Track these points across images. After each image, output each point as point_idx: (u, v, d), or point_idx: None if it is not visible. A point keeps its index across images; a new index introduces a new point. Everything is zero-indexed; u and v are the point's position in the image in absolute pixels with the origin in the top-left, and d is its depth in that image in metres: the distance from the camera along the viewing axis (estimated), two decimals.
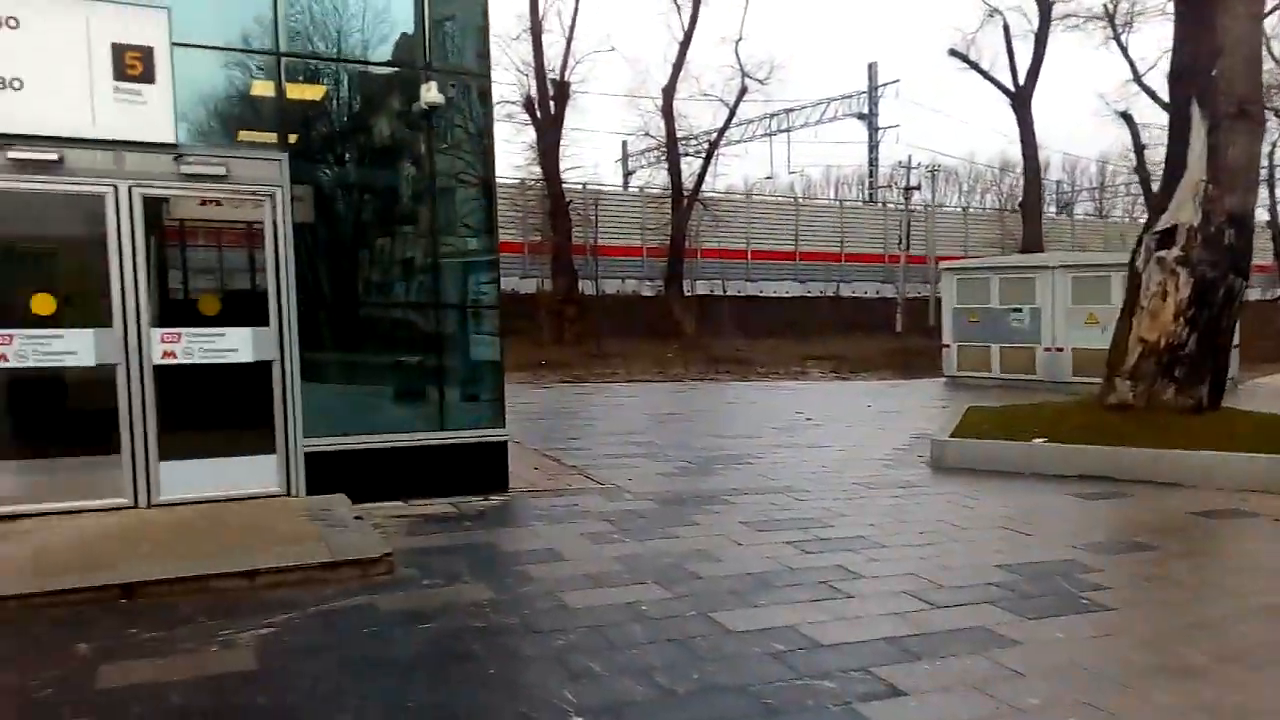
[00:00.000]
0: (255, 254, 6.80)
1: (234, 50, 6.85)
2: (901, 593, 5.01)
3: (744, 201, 39.55)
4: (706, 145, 34.51)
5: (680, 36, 31.60)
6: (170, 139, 6.27)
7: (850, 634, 4.37)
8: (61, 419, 6.69)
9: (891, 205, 41.61)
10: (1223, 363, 9.72)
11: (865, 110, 45.08)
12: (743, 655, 4.10)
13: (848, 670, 3.91)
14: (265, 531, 5.79)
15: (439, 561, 5.53)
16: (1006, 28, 30.34)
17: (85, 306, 6.20)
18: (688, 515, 6.90)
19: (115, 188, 6.15)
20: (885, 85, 44.46)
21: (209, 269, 7.54)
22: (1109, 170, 52.67)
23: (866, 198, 47.93)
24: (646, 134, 35.84)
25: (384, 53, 7.68)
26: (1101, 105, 57.07)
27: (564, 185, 31.02)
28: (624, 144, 44.96)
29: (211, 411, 6.76)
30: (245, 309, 6.68)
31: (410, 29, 7.51)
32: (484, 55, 7.84)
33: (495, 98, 8.26)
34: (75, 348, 6.11)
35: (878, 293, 38.45)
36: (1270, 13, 21.23)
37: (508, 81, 32.88)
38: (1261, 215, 35.84)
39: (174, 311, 6.73)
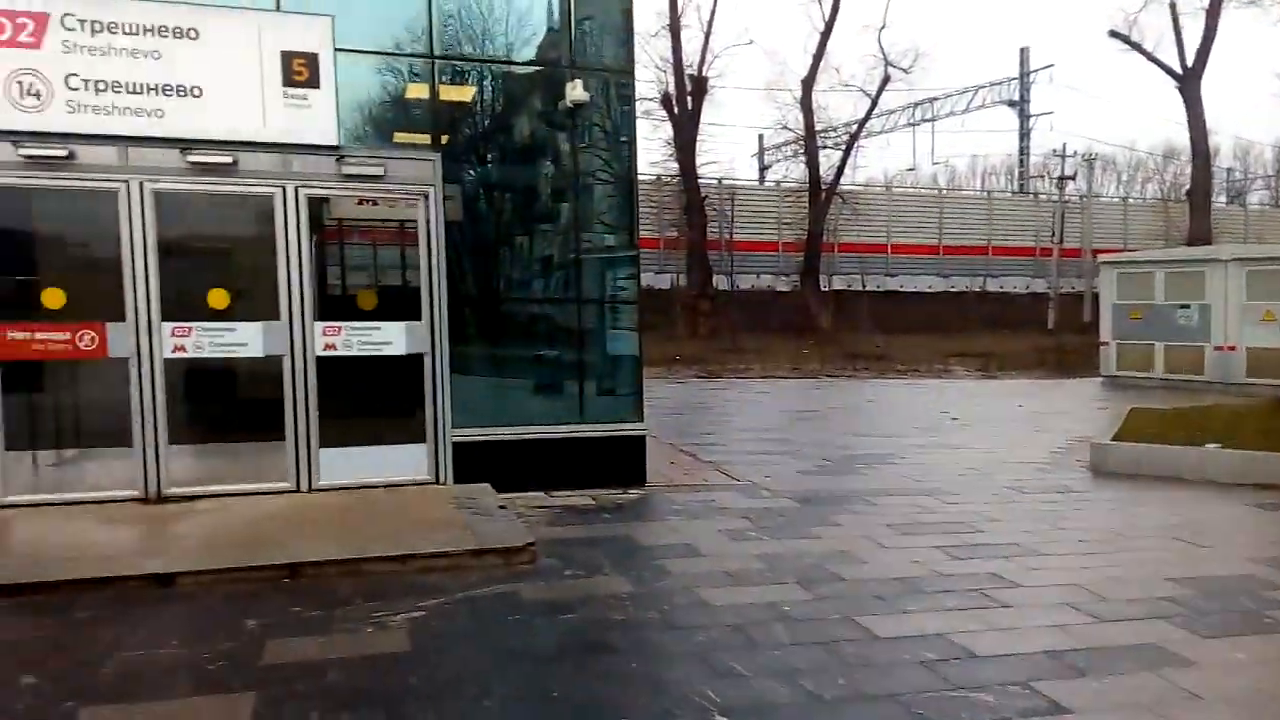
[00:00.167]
0: (407, 251, 7.08)
1: (392, 54, 7.14)
2: (1063, 604, 4.73)
3: (884, 194, 38.63)
4: (846, 137, 33.85)
5: (820, 26, 31.24)
6: (333, 141, 6.58)
7: (1007, 645, 4.15)
8: (232, 407, 7.16)
9: (1043, 196, 39.75)
10: None
11: (1016, 97, 43.25)
12: (892, 662, 3.96)
13: (1006, 683, 3.71)
14: (415, 518, 6.03)
15: (579, 553, 5.60)
16: (1173, 6, 28.54)
17: (255, 301, 6.59)
18: (828, 515, 6.74)
19: (283, 188, 6.51)
20: (1038, 70, 42.63)
21: (364, 266, 7.91)
22: None
23: (1016, 188, 45.90)
24: (784, 127, 35.58)
25: (528, 53, 7.85)
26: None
27: (700, 180, 31.01)
28: (760, 137, 44.71)
29: (367, 402, 7.08)
30: (399, 304, 6.96)
31: (554, 28, 7.63)
32: (628, 51, 7.89)
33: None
34: (246, 339, 6.51)
35: (1028, 288, 36.91)
36: None
37: (645, 79, 33.11)
38: None
39: (333, 306, 7.08)
